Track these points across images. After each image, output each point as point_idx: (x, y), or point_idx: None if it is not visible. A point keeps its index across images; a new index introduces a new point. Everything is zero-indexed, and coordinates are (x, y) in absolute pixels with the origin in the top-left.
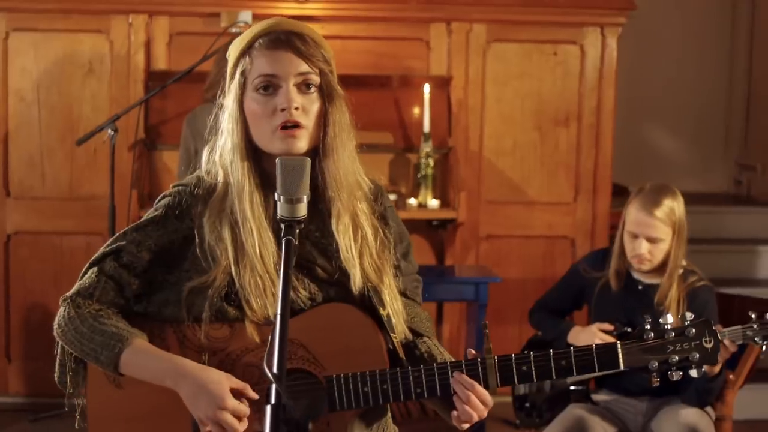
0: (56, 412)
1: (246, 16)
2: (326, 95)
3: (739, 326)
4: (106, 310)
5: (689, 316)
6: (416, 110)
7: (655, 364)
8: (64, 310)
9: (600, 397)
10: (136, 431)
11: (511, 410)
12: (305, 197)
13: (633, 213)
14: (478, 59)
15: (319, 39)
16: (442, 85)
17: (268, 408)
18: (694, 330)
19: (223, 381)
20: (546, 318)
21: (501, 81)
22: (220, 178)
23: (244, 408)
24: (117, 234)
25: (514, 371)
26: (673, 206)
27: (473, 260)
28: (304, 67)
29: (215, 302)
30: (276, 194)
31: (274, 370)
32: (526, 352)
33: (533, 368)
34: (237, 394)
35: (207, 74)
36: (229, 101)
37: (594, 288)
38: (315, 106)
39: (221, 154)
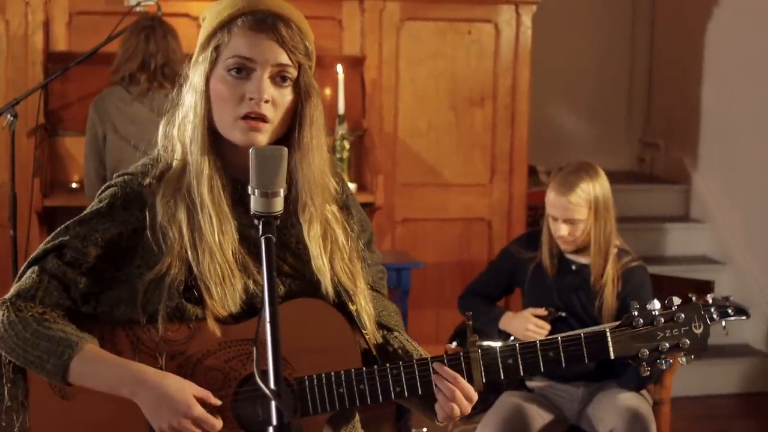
0: None
1: None
2: (303, 91)
3: None
4: (50, 313)
5: (676, 300)
6: (329, 91)
7: (646, 352)
8: (3, 315)
9: (534, 383)
10: None
11: None
12: (282, 191)
13: (550, 196)
14: (391, 38)
15: (306, 28)
16: (356, 65)
17: (270, 430)
18: (683, 315)
19: (185, 388)
20: (477, 304)
21: (415, 60)
22: (178, 155)
23: (210, 417)
24: (58, 229)
25: (500, 365)
26: (589, 187)
27: (389, 245)
28: (283, 58)
29: (173, 296)
30: (249, 188)
31: (272, 385)
32: (506, 343)
33: (520, 361)
34: (199, 402)
35: (112, 56)
36: (196, 74)
37: (526, 271)
38: (286, 101)
39: (179, 128)
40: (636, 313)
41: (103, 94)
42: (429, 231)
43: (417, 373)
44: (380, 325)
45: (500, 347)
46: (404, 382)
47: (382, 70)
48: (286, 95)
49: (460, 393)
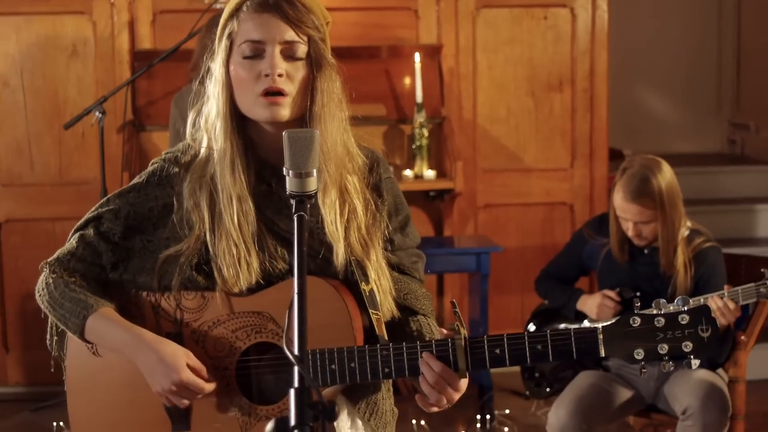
0: (57, 400)
1: None
2: (315, 63)
3: (753, 284)
4: (79, 277)
5: (686, 301)
6: (407, 80)
7: (641, 353)
8: (44, 275)
9: (611, 362)
10: (113, 400)
11: (520, 381)
12: (315, 171)
13: (617, 199)
14: (467, 26)
15: (311, 3)
16: (433, 53)
17: (292, 392)
18: (688, 317)
19: (179, 354)
20: (553, 286)
21: (491, 47)
22: (204, 144)
23: (199, 382)
24: (103, 199)
25: (486, 354)
26: (653, 187)
27: (472, 230)
28: (290, 34)
29: (185, 270)
30: (284, 169)
31: (295, 351)
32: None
33: (507, 352)
34: (194, 371)
35: (193, 52)
36: (215, 65)
37: (599, 253)
38: (301, 74)
39: (206, 120)
40: (635, 311)
41: (182, 90)
42: (511, 216)
43: (405, 356)
44: (404, 307)
45: (488, 337)
46: (392, 364)
47: (459, 58)
48: (299, 68)
49: (442, 380)
